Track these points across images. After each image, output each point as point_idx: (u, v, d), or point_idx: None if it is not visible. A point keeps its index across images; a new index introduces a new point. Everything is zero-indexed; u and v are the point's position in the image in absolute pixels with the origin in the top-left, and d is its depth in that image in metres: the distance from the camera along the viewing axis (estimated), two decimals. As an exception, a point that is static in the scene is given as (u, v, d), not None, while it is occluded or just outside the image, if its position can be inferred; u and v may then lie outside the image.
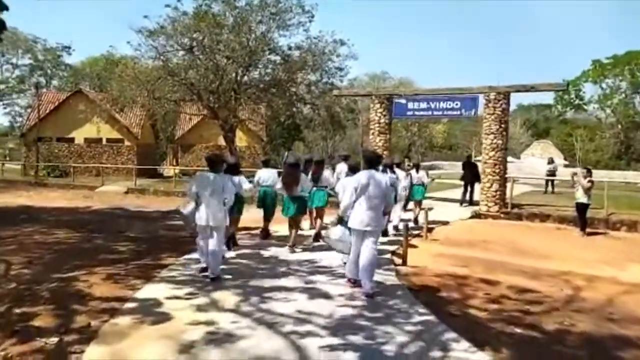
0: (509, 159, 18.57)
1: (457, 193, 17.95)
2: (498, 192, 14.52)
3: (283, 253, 8.07)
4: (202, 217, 6.14)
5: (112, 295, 5.46)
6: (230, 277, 6.42)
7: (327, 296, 5.64)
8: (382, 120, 16.14)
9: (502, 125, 14.62)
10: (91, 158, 30.93)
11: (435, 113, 16.01)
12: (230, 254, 7.76)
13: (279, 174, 8.50)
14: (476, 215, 14.35)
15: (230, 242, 8.02)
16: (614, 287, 6.99)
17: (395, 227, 10.28)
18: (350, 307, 5.25)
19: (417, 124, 42.34)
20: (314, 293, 5.72)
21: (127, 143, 31.44)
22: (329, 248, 6.88)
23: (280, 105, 25.39)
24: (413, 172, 11.72)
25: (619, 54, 47.23)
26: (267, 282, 6.15)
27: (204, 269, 6.38)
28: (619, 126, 49.59)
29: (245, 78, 26.75)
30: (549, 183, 21.05)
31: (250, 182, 8.36)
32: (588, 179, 11.63)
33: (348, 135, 45.41)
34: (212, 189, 6.13)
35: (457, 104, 15.32)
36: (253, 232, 9.82)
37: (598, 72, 47.90)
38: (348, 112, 33.30)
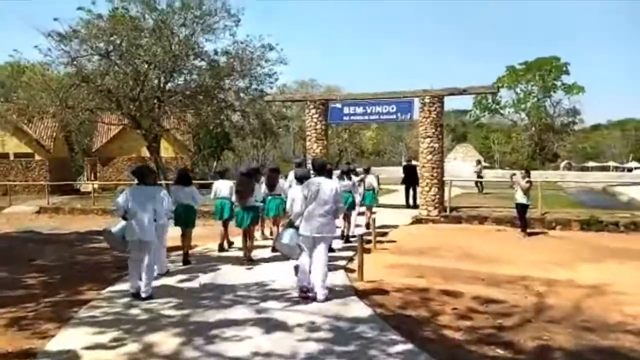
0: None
1: (395, 198, 17.82)
2: (437, 196, 14.41)
3: (227, 274, 7.19)
4: (133, 232, 5.83)
5: (15, 350, 4.34)
6: (166, 309, 5.46)
7: (285, 328, 4.86)
8: (318, 126, 15.60)
9: (438, 129, 14.55)
10: (-4, 175, 27.89)
11: (371, 117, 15.69)
12: (168, 280, 6.79)
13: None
14: (417, 220, 14.13)
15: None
16: (574, 291, 6.78)
17: (345, 233, 10.22)
18: (314, 340, 4.51)
19: (348, 131, 42.43)
20: (270, 325, 4.93)
21: (37, 157, 28.66)
22: (280, 263, 6.79)
23: (208, 112, 24.16)
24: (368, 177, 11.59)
25: (530, 60, 50.26)
26: (213, 315, 5.26)
27: (135, 294, 5.87)
28: (533, 128, 52.64)
29: (170, 84, 25.24)
30: (479, 184, 21.68)
31: (202, 194, 8.28)
32: (527, 179, 11.70)
33: (280, 142, 44.62)
34: (142, 203, 5.85)
35: (392, 108, 15.09)
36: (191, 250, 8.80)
37: (512, 77, 50.65)
38: (280, 119, 32.47)
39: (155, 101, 23.70)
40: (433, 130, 14.40)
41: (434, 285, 6.94)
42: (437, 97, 14.37)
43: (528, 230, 11.91)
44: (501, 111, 54.76)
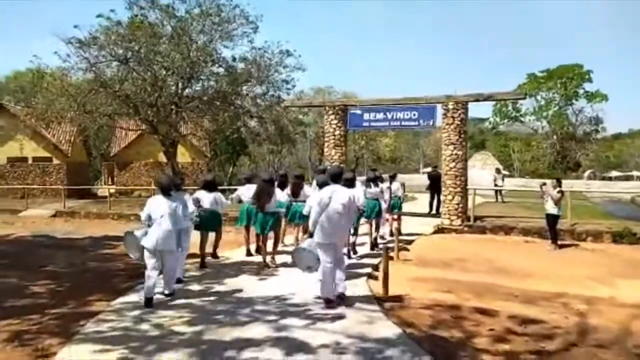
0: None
1: (414, 206, 17.35)
2: (460, 205, 13.86)
3: (244, 286, 6.79)
4: (151, 240, 5.86)
5: (13, 369, 3.99)
6: (178, 325, 5.07)
7: (307, 349, 4.42)
8: (337, 132, 15.20)
9: (462, 136, 14.05)
10: (15, 179, 27.99)
11: (392, 124, 15.21)
12: (181, 291, 6.42)
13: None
14: (439, 230, 13.61)
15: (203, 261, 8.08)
16: (618, 311, 6.24)
17: (382, 236, 10.57)
18: (341, 364, 4.08)
19: (365, 137, 41.89)
20: (291, 345, 4.50)
21: (55, 161, 28.73)
22: (300, 274, 6.48)
23: (225, 118, 23.93)
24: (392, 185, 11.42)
25: (552, 67, 49.27)
26: (228, 333, 4.84)
27: (149, 300, 5.81)
28: (555, 136, 51.53)
29: (187, 91, 25.11)
30: (498, 193, 21.20)
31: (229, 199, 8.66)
32: (558, 189, 11.13)
33: (297, 149, 44.36)
34: (164, 213, 5.90)
35: (414, 114, 14.62)
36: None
37: (533, 85, 49.62)
38: (297, 125, 32.17)
39: (173, 107, 23.54)
40: (457, 137, 13.90)
41: (465, 302, 6.45)
42: (461, 103, 13.87)
43: (558, 242, 11.33)
44: (522, 119, 53.73)
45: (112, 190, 26.39)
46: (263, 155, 48.23)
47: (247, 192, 8.71)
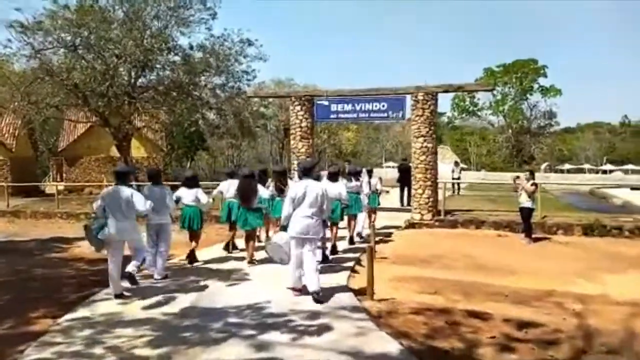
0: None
1: (383, 199, 16.92)
2: (430, 199, 13.52)
3: (214, 294, 6.06)
4: (110, 232, 5.78)
5: None
6: (140, 346, 4.32)
7: (295, 373, 3.79)
8: (303, 124, 14.53)
9: (432, 128, 13.69)
10: (-49, 176, 25.83)
11: (360, 115, 14.68)
12: (142, 302, 5.63)
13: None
14: (410, 225, 13.24)
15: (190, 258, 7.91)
16: (615, 310, 5.93)
17: (359, 234, 10.30)
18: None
19: (327, 131, 41.41)
20: (275, 369, 3.84)
21: (-2, 157, 26.73)
22: (274, 278, 6.42)
23: (182, 110, 22.78)
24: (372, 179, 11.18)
25: (508, 62, 50.36)
26: (199, 355, 4.12)
27: (118, 295, 5.80)
28: (510, 130, 52.79)
29: (141, 80, 23.80)
30: (456, 185, 21.67)
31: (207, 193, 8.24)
32: (531, 182, 10.91)
33: (257, 143, 43.34)
34: (119, 203, 5.81)
35: (384, 106, 14.16)
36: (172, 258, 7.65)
37: (490, 79, 50.51)
38: (258, 118, 31.27)
39: (126, 98, 22.22)
40: (427, 130, 13.53)
41: (455, 304, 5.99)
42: (431, 94, 13.49)
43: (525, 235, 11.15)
44: (478, 113, 54.78)
45: (60, 188, 24.73)
46: (222, 149, 46.95)
47: (228, 187, 8.54)
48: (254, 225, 7.87)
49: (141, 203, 5.87)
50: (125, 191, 5.87)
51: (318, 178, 7.07)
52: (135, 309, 5.39)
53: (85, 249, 10.42)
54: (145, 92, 23.49)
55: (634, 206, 16.11)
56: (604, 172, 53.33)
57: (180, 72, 22.81)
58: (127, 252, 6.14)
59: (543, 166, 47.80)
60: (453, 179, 21.50)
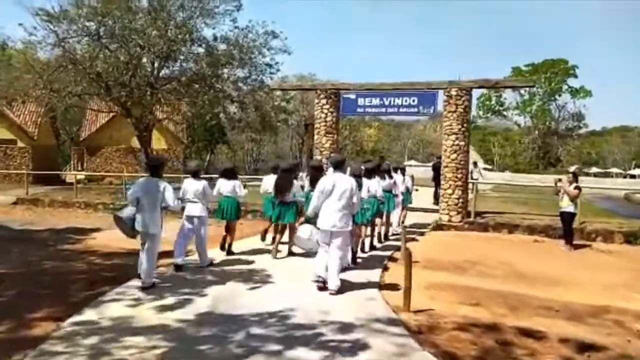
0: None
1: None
2: (460, 200, 12.83)
3: (232, 298, 5.53)
4: (139, 223, 5.83)
5: None
6: None
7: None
8: (328, 118, 13.94)
9: (465, 125, 12.97)
10: (-25, 162, 25.97)
11: (389, 110, 14.02)
12: (152, 304, 5.12)
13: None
14: (437, 227, 12.56)
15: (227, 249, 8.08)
16: (685, 332, 5.21)
17: (385, 234, 10.06)
18: None
19: (349, 127, 40.73)
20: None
21: (20, 144, 26.75)
22: (298, 281, 6.25)
23: (205, 101, 22.35)
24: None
25: (537, 62, 48.91)
26: (218, 376, 3.59)
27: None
28: (536, 132, 51.34)
29: (164, 71, 23.45)
30: (474, 187, 21.07)
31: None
32: (574, 185, 10.15)
33: (278, 137, 42.84)
34: (150, 195, 5.84)
35: (414, 101, 13.46)
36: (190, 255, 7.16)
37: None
38: (280, 112, 30.67)
39: (148, 88, 21.91)
40: (459, 127, 12.82)
41: (502, 319, 5.35)
42: (465, 90, 12.77)
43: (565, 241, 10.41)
44: (504, 113, 53.43)
45: (81, 177, 24.64)
46: (242, 143, 46.59)
47: (270, 182, 8.57)
48: (287, 220, 7.87)
49: (171, 198, 5.90)
50: (158, 183, 5.91)
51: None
52: (147, 312, 4.88)
53: (100, 240, 10.07)
54: (168, 84, 23.15)
55: (678, 214, 15.14)
56: (632, 176, 51.54)
57: (203, 64, 22.39)
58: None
59: (572, 169, 46.27)
60: (471, 179, 20.84)
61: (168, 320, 4.66)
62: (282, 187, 7.74)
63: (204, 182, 7.17)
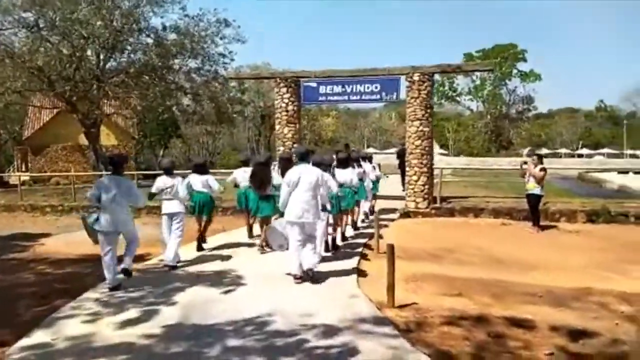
0: (393, 150, 17.66)
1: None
2: (426, 186, 12.72)
3: (203, 303, 5.05)
4: (105, 223, 5.58)
5: None
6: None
7: None
8: (289, 108, 13.51)
9: (428, 111, 12.82)
10: None
11: (352, 97, 13.71)
12: (114, 318, 4.58)
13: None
14: (405, 214, 12.41)
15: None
16: (669, 311, 5.17)
17: (355, 223, 9.81)
18: None
19: (307, 116, 40.28)
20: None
21: (-44, 146, 24.88)
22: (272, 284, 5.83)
23: (156, 94, 21.36)
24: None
25: (487, 47, 49.94)
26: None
27: (116, 287, 5.61)
28: (488, 116, 52.58)
29: (111, 63, 22.28)
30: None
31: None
32: (540, 166, 10.16)
33: (235, 129, 41.86)
34: (115, 193, 5.59)
35: (376, 87, 13.22)
36: (148, 259, 6.62)
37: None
38: (236, 103, 29.85)
39: (94, 82, 20.76)
40: (422, 113, 12.66)
41: (488, 309, 5.15)
42: (427, 75, 12.61)
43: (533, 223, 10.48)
44: (457, 98, 54.40)
45: (25, 178, 23.15)
46: (197, 136, 45.34)
47: (242, 175, 8.57)
48: (267, 213, 7.76)
49: (140, 197, 5.86)
50: (123, 181, 5.77)
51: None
52: (108, 328, 4.34)
53: (50, 247, 9.30)
54: (115, 76, 22.02)
55: (632, 190, 15.65)
56: (580, 156, 53.78)
57: (152, 55, 21.39)
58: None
59: (526, 151, 47.67)
60: None
61: (133, 336, 4.13)
62: (260, 180, 7.64)
63: (178, 179, 7.08)
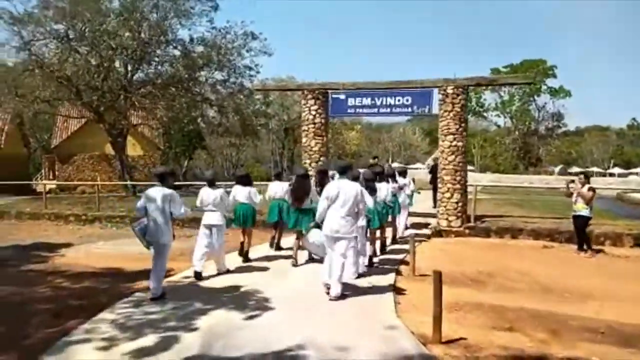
0: (418, 165, 16.82)
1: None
2: (459, 204, 12.07)
3: (226, 330, 4.58)
4: (150, 233, 5.82)
5: None
6: None
7: None
8: (317, 120, 13.07)
9: (462, 125, 12.23)
10: None
11: (381, 110, 13.18)
12: (131, 345, 4.13)
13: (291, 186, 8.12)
14: (437, 232, 11.78)
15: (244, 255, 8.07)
16: None
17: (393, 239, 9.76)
18: None
19: (331, 130, 39.88)
20: None
21: (-15, 153, 25.23)
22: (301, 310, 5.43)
23: (182, 104, 21.27)
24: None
25: (515, 62, 48.97)
26: None
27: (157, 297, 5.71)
28: (516, 132, 51.38)
29: (138, 74, 22.33)
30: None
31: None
32: (588, 186, 9.46)
33: (258, 142, 41.73)
34: (158, 205, 5.82)
35: (407, 100, 12.70)
36: (172, 275, 6.20)
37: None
38: (261, 116, 29.69)
39: (121, 92, 20.79)
40: (456, 127, 12.08)
41: (546, 348, 4.54)
42: (462, 88, 12.07)
43: (573, 246, 9.80)
44: (484, 114, 53.40)
45: (52, 186, 23.24)
46: (221, 148, 45.37)
47: (276, 188, 8.63)
48: (304, 227, 7.60)
49: (178, 208, 5.91)
50: (165, 193, 5.87)
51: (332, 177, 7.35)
52: (121, 358, 3.90)
53: (69, 258, 8.99)
54: (142, 87, 22.08)
55: (680, 213, 14.70)
56: (611, 175, 52.03)
57: (179, 67, 21.42)
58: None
59: (557, 169, 46.35)
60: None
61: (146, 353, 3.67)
62: (300, 193, 7.65)
63: (221, 191, 7.14)
